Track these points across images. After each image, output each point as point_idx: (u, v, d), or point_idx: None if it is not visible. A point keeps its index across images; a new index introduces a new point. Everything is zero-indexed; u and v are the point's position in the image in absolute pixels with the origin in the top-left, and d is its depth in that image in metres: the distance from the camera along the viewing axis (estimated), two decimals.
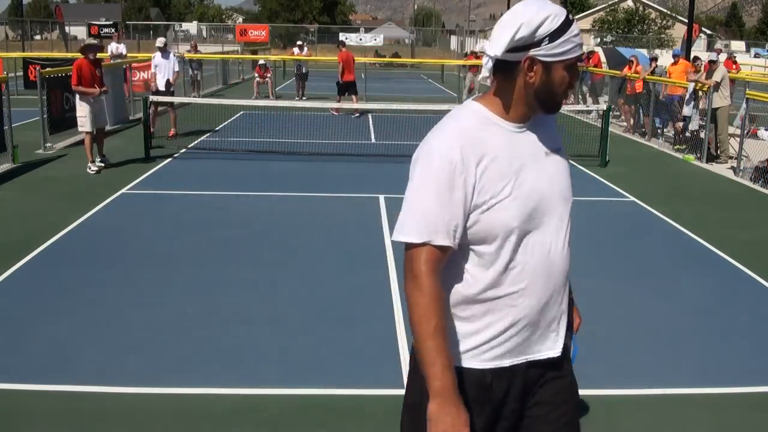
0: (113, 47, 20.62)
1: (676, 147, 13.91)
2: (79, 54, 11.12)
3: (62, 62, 18.79)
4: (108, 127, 11.86)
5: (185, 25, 54.34)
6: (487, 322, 2.05)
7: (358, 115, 18.05)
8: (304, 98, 19.25)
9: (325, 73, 32.59)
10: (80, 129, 10.78)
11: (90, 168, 10.53)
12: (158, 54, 13.71)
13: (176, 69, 13.96)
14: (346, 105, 16.80)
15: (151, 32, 54.97)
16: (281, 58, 30.98)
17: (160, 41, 13.94)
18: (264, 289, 6.04)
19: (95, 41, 12.30)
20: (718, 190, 10.72)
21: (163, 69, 13.62)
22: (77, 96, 10.60)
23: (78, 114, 10.68)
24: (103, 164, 10.81)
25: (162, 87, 13.63)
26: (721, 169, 12.16)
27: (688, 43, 19.60)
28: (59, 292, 5.83)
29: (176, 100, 13.98)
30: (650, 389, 4.47)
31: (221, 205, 8.90)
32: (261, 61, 23.08)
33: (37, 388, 4.30)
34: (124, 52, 20.30)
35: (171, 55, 13.97)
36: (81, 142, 11.19)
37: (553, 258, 2.07)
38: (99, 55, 11.64)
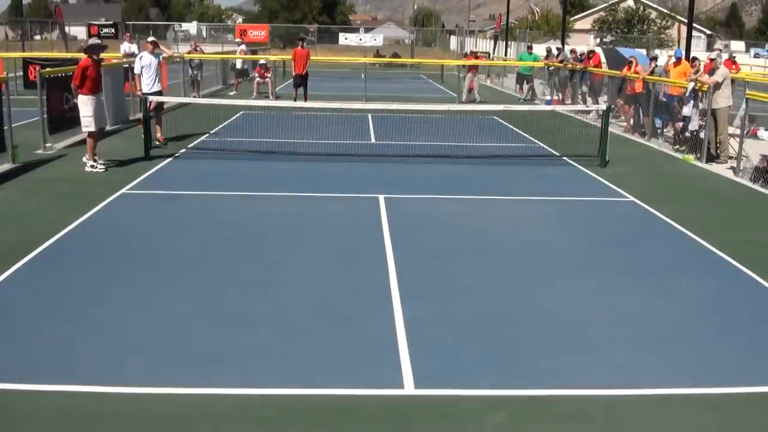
0: (126, 47, 20.56)
1: (675, 147, 13.90)
2: (83, 54, 11.02)
3: (62, 62, 18.78)
4: (108, 127, 11.82)
5: (185, 25, 54.35)
6: None
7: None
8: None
9: (324, 73, 32.63)
10: (85, 129, 10.67)
11: (95, 167, 10.51)
12: (146, 53, 12.74)
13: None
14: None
15: (151, 32, 54.84)
16: (281, 58, 30.97)
17: (152, 39, 13.28)
18: (264, 289, 6.04)
19: (99, 41, 12.10)
20: (717, 191, 10.72)
21: (153, 69, 12.72)
22: (81, 96, 10.50)
23: (83, 114, 10.59)
24: (104, 165, 10.73)
25: (156, 88, 12.74)
26: (721, 169, 12.15)
27: (687, 43, 19.59)
28: (59, 292, 5.83)
29: (176, 100, 13.93)
30: (650, 389, 4.47)
31: (221, 205, 8.90)
32: (261, 61, 23.03)
33: (37, 388, 4.29)
34: (137, 52, 20.20)
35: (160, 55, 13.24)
36: (81, 142, 11.14)
37: None
38: (103, 54, 11.47)
